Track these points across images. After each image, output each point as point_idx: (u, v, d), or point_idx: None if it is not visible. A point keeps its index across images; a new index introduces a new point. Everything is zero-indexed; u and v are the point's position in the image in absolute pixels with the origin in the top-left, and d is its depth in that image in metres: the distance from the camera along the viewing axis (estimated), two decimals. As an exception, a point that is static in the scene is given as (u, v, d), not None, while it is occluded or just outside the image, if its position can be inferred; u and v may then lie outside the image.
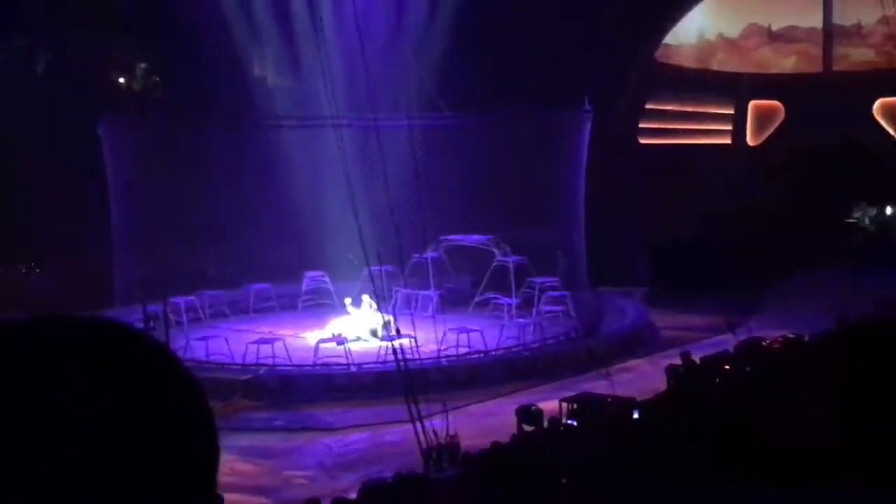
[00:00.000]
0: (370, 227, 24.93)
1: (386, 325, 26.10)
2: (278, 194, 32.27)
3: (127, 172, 29.94)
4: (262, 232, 32.45)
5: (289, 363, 25.42)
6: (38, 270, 32.72)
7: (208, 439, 1.50)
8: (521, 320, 28.05)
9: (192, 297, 29.50)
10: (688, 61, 41.16)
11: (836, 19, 40.48)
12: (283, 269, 31.75)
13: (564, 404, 19.86)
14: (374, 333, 27.16)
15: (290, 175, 32.47)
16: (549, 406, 20.14)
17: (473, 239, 30.06)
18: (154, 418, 1.43)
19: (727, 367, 19.59)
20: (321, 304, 30.78)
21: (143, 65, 37.84)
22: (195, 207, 31.00)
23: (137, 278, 27.48)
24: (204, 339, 26.47)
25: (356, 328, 27.43)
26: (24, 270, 32.61)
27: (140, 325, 22.24)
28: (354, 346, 26.17)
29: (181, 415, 1.47)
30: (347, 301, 28.11)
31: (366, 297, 27.72)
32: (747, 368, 18.91)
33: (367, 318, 27.58)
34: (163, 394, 1.46)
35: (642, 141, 39.84)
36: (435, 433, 18.47)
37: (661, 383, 20.17)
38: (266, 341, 25.97)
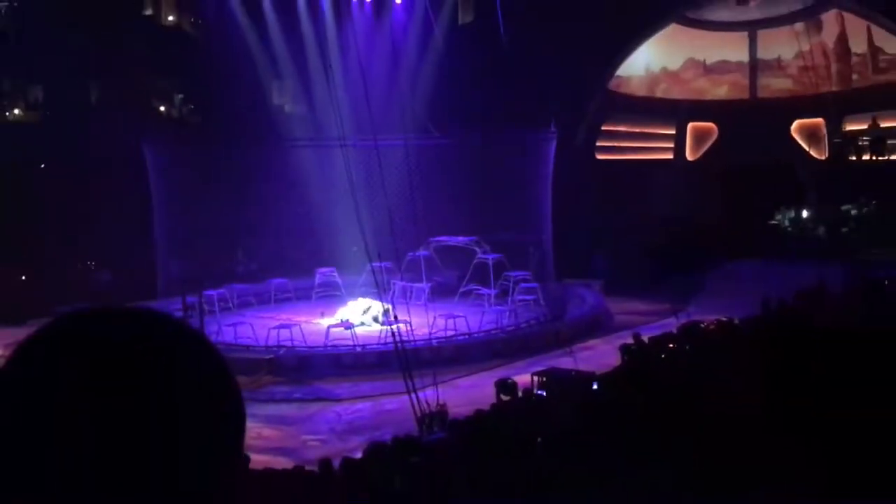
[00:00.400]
0: (372, 230, 24.95)
1: (386, 312, 26.14)
2: (295, 203, 32.34)
3: (167, 185, 29.94)
4: (281, 235, 32.46)
5: (304, 345, 25.41)
6: (97, 268, 32.61)
7: (237, 408, 1.50)
8: (498, 307, 28.11)
9: (223, 290, 29.46)
10: (637, 90, 41.22)
11: (760, 54, 40.59)
12: (300, 265, 31.75)
13: (535, 377, 19.85)
14: (375, 319, 27.18)
15: (305, 187, 32.50)
16: (523, 379, 20.13)
17: (459, 240, 30.07)
18: (191, 391, 1.43)
19: (671, 345, 19.60)
20: (331, 295, 30.74)
21: (180, 95, 37.76)
22: (225, 215, 31.03)
23: (177, 275, 27.49)
24: (233, 325, 26.44)
25: (361, 315, 27.42)
26: (91, 266, 32.52)
27: (179, 314, 22.29)
28: (359, 330, 26.20)
29: (214, 388, 1.47)
30: (359, 302, 28.08)
31: (361, 299, 27.77)
32: (687, 347, 18.95)
33: (368, 307, 27.56)
34: (198, 371, 1.46)
35: (599, 157, 39.86)
36: (427, 402, 18.46)
37: (615, 359, 20.17)
38: (285, 326, 25.95)
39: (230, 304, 29.80)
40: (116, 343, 1.42)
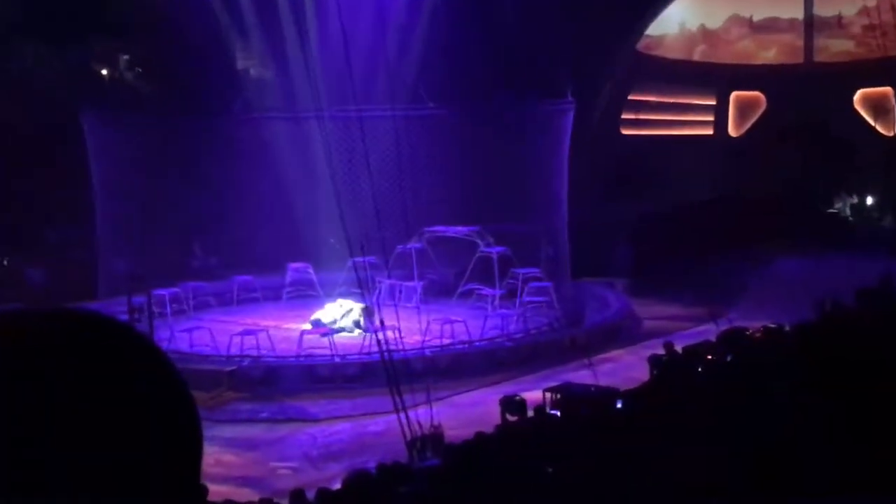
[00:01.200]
0: (354, 218, 24.91)
1: (370, 315, 26.10)
2: (262, 186, 32.34)
3: (110, 165, 29.84)
4: (245, 224, 32.43)
5: (273, 354, 25.42)
6: (28, 264, 32.57)
7: (192, 430, 1.49)
8: (504, 311, 28.15)
9: (176, 289, 29.47)
10: (670, 52, 41.22)
11: (817, 11, 40.57)
12: (267, 260, 31.74)
13: (548, 394, 19.85)
14: (357, 324, 27.19)
15: (275, 167, 32.48)
16: (533, 396, 20.15)
17: (457, 230, 30.10)
18: (137, 410, 1.42)
19: (709, 356, 19.61)
20: (305, 296, 30.78)
21: (125, 56, 37.70)
22: (179, 200, 30.97)
23: (122, 271, 27.47)
24: (188, 330, 26.47)
25: (340, 319, 27.45)
26: (20, 262, 32.48)
27: (124, 317, 22.26)
28: (338, 338, 26.22)
29: (165, 406, 1.46)
30: (338, 304, 28.12)
31: (338, 301, 27.84)
32: (729, 358, 18.95)
33: (349, 310, 27.59)
34: (146, 385, 1.45)
35: (624, 132, 39.89)
36: (419, 423, 18.46)
37: (643, 373, 20.19)
38: (250, 332, 25.96)
39: (185, 306, 29.83)
40: (46, 351, 1.42)
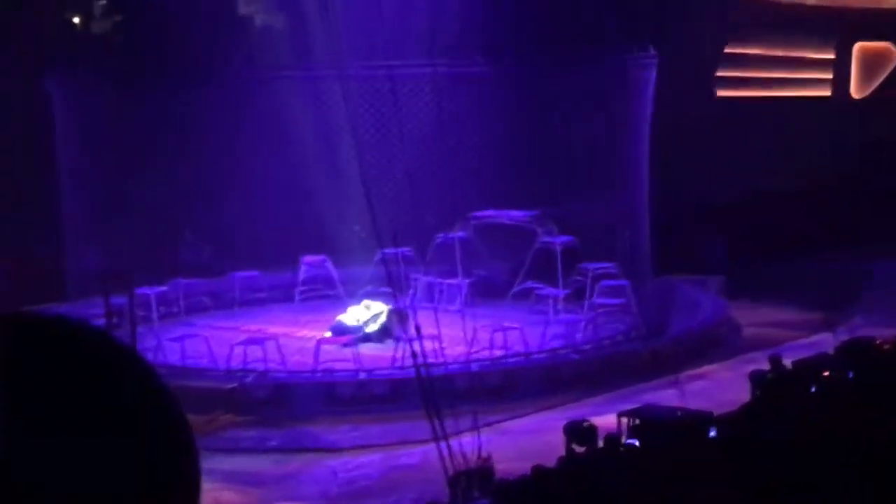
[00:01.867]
0: (384, 200, 24.93)
1: (402, 321, 26.08)
2: (269, 161, 32.26)
3: (83, 136, 29.93)
4: (249, 208, 32.45)
5: (283, 369, 25.53)
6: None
7: (186, 463, 1.49)
8: (570, 316, 28.21)
9: (163, 288, 29.70)
10: (777, -6, 40.94)
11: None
12: (276, 252, 31.78)
13: (623, 419, 19.78)
14: (387, 332, 27.27)
15: (285, 137, 32.44)
16: (605, 421, 20.07)
17: (511, 215, 30.17)
18: (118, 437, 1.41)
19: (826, 373, 19.50)
20: (323, 296, 30.89)
21: (101, 1, 37.90)
22: (167, 177, 31.02)
23: (97, 266, 27.61)
24: (179, 338, 26.65)
25: (366, 326, 27.51)
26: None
27: (100, 322, 22.36)
28: (364, 349, 26.31)
29: (152, 433, 1.45)
30: (364, 303, 28.17)
31: (365, 302, 27.93)
32: (851, 375, 18.82)
33: (377, 314, 27.63)
34: (129, 407, 1.44)
35: (720, 93, 39.65)
36: (463, 455, 18.46)
37: (743, 393, 20.06)
38: (255, 341, 26.09)
39: (174, 309, 30.02)
40: (6, 364, 1.41)
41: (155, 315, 28.50)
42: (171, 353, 26.02)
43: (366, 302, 28.20)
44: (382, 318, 27.61)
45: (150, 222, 30.94)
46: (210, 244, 33.82)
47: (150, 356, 24.46)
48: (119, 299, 24.96)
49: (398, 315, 26.60)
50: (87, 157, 29.80)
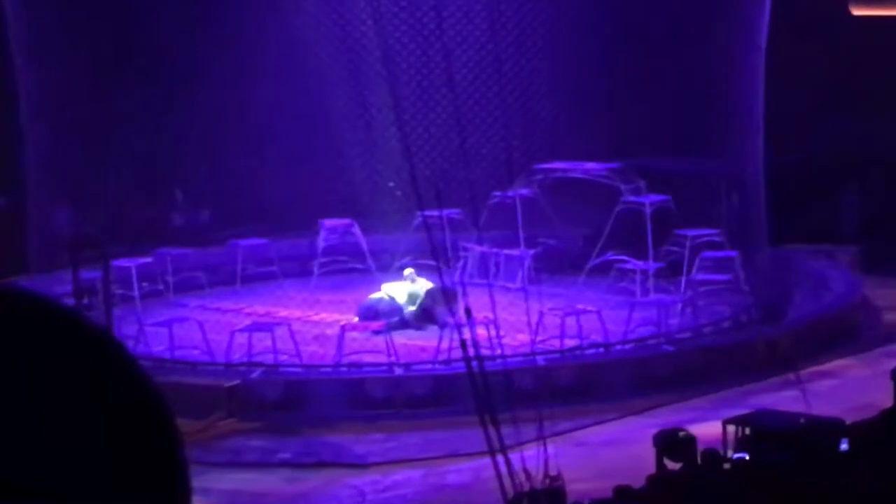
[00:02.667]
0: (425, 150, 24.94)
1: (448, 302, 26.06)
2: (282, 102, 32.27)
3: (47, 69, 30.06)
4: (255, 160, 32.54)
5: (297, 363, 25.63)
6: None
7: (174, 477, 1.50)
8: (662, 296, 28.18)
9: (147, 259, 29.79)
10: None
11: None
12: (288, 214, 31.88)
13: (730, 428, 19.76)
14: (428, 315, 27.38)
15: (299, 70, 32.41)
16: (706, 430, 20.08)
17: (587, 168, 30.15)
18: (92, 444, 1.42)
19: None
20: (347, 270, 30.96)
21: None
22: (151, 121, 31.09)
23: (65, 231, 27.71)
24: (167, 323, 26.72)
25: (403, 308, 27.57)
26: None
27: (70, 301, 22.46)
28: (399, 337, 26.35)
29: (134, 439, 1.46)
30: (408, 272, 28.18)
31: (408, 271, 27.93)
32: None
33: (416, 294, 27.67)
34: (103, 409, 1.45)
35: (855, 12, 39.43)
36: (526, 472, 18.47)
37: (883, 395, 20.00)
38: (262, 328, 26.19)
39: (162, 286, 30.15)
40: None
41: (136, 293, 28.59)
42: (157, 342, 26.17)
43: (409, 272, 28.09)
44: (424, 299, 27.63)
45: (133, 176, 31.01)
46: (206, 204, 33.91)
47: (129, 345, 24.58)
48: (92, 273, 25.03)
49: (444, 295, 26.56)
50: (54, 87, 29.87)
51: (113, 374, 1.48)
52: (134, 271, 28.81)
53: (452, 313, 25.07)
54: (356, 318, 27.50)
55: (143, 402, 1.49)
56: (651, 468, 18.58)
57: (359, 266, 30.88)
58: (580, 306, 26.95)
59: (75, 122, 29.72)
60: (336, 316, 27.83)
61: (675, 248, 29.14)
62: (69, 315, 1.50)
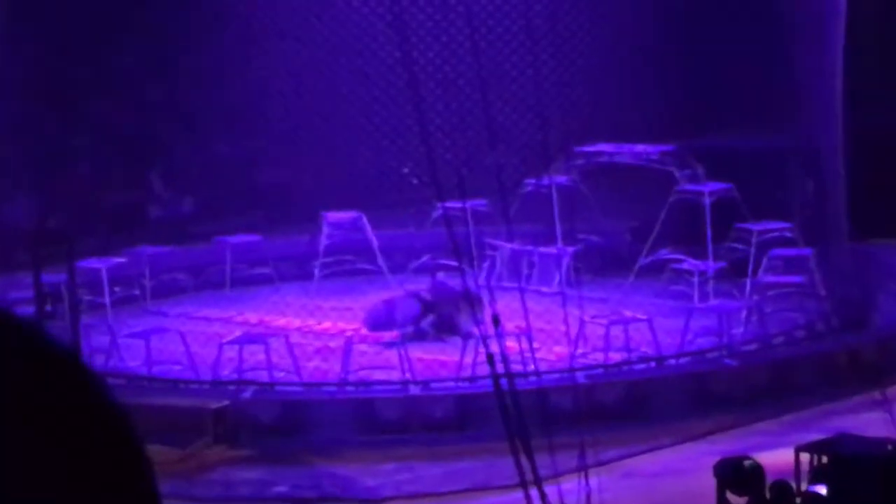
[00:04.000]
0: (446, 129, 24.96)
1: (473, 309, 26.09)
2: (279, 72, 32.41)
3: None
4: (247, 140, 32.65)
5: (297, 380, 25.70)
6: None
7: None
8: (724, 302, 28.22)
9: (120, 259, 29.92)
10: None
11: None
12: (287, 207, 31.99)
13: (804, 455, 19.77)
14: (448, 326, 27.44)
15: (301, 37, 32.53)
16: (777, 459, 20.19)
17: (636, 151, 30.28)
18: (51, 478, 1.39)
19: None
20: (354, 272, 31.08)
21: None
22: (127, 93, 31.20)
23: (20, 224, 27.78)
24: (143, 334, 26.81)
25: (417, 315, 27.61)
26: None
27: (26, 311, 22.51)
28: (416, 351, 26.40)
29: (101, 472, 1.43)
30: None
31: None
32: None
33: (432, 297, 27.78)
34: (68, 434, 1.42)
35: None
36: (565, 507, 18.52)
37: None
38: (255, 339, 26.31)
39: (137, 290, 30.24)
40: None
41: (108, 299, 28.67)
42: (132, 356, 26.24)
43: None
44: (444, 306, 27.66)
45: (104, 158, 31.09)
46: (189, 194, 34.02)
47: (98, 361, 24.67)
48: (54, 276, 25.12)
49: (468, 300, 26.61)
50: (9, 53, 29.97)
51: (74, 397, 1.48)
52: (105, 273, 28.86)
53: (478, 322, 25.12)
54: (365, 329, 27.47)
55: (110, 430, 1.49)
56: (711, 502, 18.59)
57: (368, 267, 30.97)
58: (628, 313, 27.05)
59: (37, 96, 29.81)
60: (341, 325, 27.86)
61: (738, 245, 29.21)
62: (25, 327, 1.49)
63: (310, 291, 30.64)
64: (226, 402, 24.81)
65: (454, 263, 25.53)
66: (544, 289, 28.23)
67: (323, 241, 31.43)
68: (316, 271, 31.39)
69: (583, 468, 19.40)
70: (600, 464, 20.52)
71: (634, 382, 25.68)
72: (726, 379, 26.04)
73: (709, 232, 29.16)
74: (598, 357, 26.05)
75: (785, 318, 28.23)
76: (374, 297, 28.61)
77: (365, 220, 31.23)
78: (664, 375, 26.04)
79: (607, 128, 30.39)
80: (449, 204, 23.53)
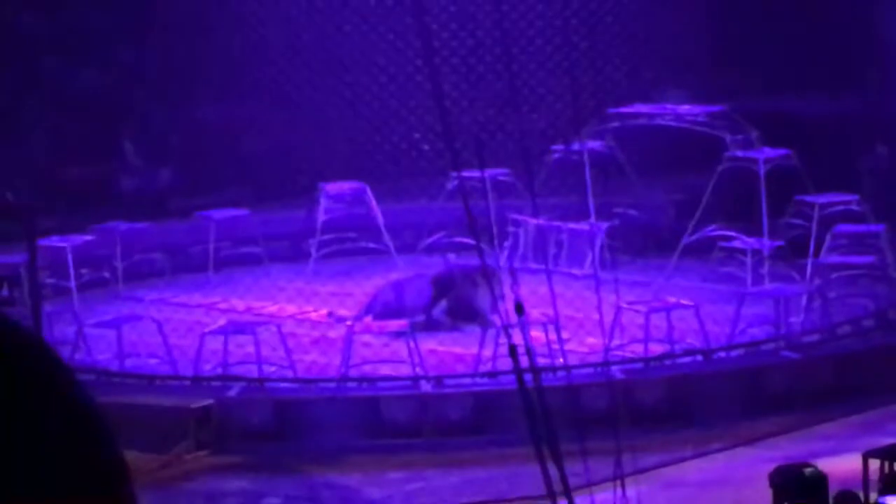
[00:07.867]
0: (462, 90, 24.94)
1: (492, 294, 26.10)
2: (272, 25, 32.44)
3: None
4: (234, 103, 32.71)
5: (290, 375, 25.72)
6: None
7: None
8: (781, 286, 28.16)
9: (88, 237, 29.91)
10: None
11: None
12: (279, 178, 32.01)
13: (873, 462, 19.74)
14: (464, 313, 27.43)
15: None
16: (841, 466, 20.22)
17: (680, 113, 30.21)
18: (26, 482, 1.50)
19: None
20: (355, 251, 31.13)
21: None
22: (96, 49, 31.22)
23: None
24: (115, 323, 26.81)
25: (429, 301, 27.62)
26: None
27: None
28: (426, 343, 26.43)
29: (73, 478, 1.51)
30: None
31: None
32: None
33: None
34: (35, 435, 1.49)
35: None
36: (602, 524, 18.52)
37: None
38: (242, 329, 26.32)
39: (107, 273, 30.24)
40: None
41: (73, 283, 28.66)
42: (101, 348, 26.22)
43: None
44: (460, 290, 27.65)
45: (69, 122, 31.12)
46: (167, 162, 34.05)
47: (66, 353, 24.61)
48: (12, 256, 25.13)
49: (487, 284, 26.61)
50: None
51: (43, 392, 1.56)
52: (70, 253, 28.81)
53: (498, 309, 25.11)
54: (369, 316, 27.46)
55: (80, 429, 1.57)
56: (768, 516, 18.58)
57: (372, 246, 31.00)
58: (671, 299, 26.95)
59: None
60: (342, 313, 27.79)
61: (798, 221, 29.12)
62: None
63: (305, 274, 30.76)
64: (209, 401, 24.79)
65: (471, 242, 25.52)
66: (575, 271, 28.15)
67: (320, 217, 31.46)
68: (312, 251, 31.45)
69: (619, 477, 19.35)
70: (639, 472, 20.47)
71: (678, 378, 25.63)
72: (784, 375, 26.00)
73: (764, 205, 29.08)
74: (637, 349, 26.03)
75: (852, 304, 28.15)
76: (379, 281, 28.68)
77: (369, 191, 31.26)
78: (712, 371, 26.01)
79: (646, 89, 30.37)
80: (466, 173, 23.47)
